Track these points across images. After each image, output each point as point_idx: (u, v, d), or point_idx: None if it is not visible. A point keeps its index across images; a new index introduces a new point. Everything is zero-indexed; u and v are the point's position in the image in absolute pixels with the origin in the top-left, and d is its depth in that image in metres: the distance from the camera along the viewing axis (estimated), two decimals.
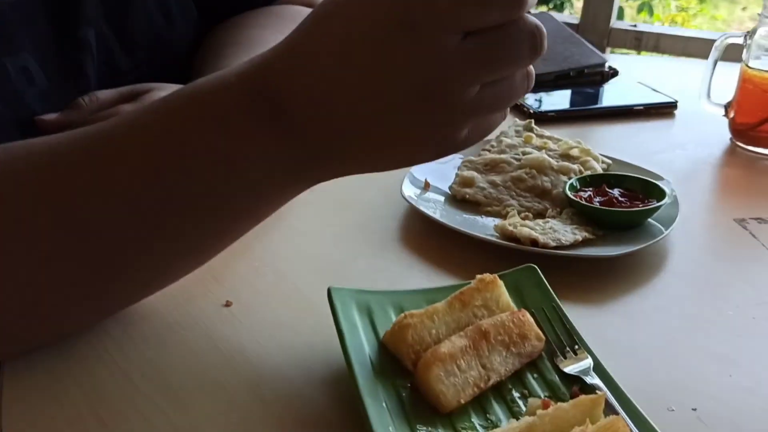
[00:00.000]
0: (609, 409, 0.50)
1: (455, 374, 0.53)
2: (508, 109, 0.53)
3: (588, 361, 0.55)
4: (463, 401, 0.52)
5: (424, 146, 0.52)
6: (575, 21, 2.14)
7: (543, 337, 0.57)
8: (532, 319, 0.58)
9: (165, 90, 0.76)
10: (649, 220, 0.78)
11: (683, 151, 1.04)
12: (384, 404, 0.51)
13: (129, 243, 0.54)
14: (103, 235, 0.53)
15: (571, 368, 0.55)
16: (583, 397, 0.48)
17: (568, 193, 0.80)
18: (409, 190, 0.83)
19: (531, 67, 0.50)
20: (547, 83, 1.26)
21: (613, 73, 1.31)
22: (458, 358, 0.53)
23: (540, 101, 1.19)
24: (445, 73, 0.47)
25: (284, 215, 0.84)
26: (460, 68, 0.46)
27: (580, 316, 0.65)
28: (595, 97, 1.24)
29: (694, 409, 0.55)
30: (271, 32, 0.86)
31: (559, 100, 1.21)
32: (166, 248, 0.56)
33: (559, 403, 0.48)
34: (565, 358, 0.56)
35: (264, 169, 0.54)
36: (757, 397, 0.56)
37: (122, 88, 0.77)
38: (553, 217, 0.79)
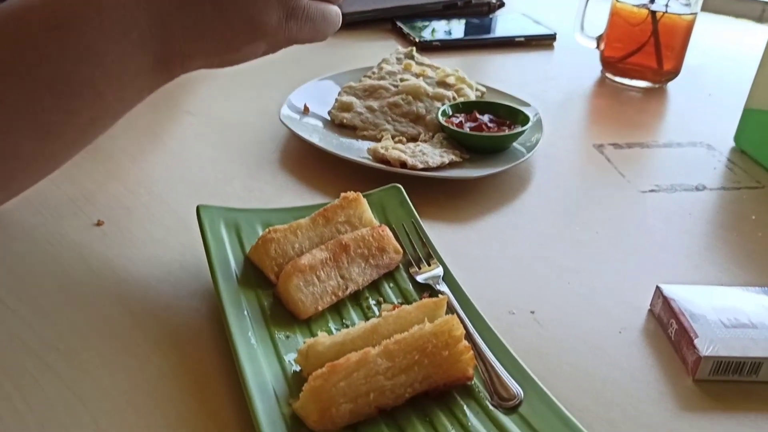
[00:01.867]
0: (452, 312, 0.55)
1: (314, 284, 0.56)
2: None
3: (438, 271, 0.60)
4: (320, 308, 0.56)
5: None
6: None
7: (401, 250, 0.61)
8: (391, 234, 0.61)
9: None
10: (515, 144, 0.83)
11: (557, 82, 1.10)
12: (245, 312, 0.54)
13: None
14: None
15: (422, 277, 0.59)
16: (426, 299, 0.52)
17: (440, 118, 0.83)
18: (288, 114, 0.85)
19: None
20: (435, 12, 1.28)
21: (500, 4, 1.35)
22: (318, 269, 0.57)
23: (426, 30, 1.22)
24: None
25: (161, 137, 0.85)
26: None
27: (441, 233, 0.70)
28: (480, 28, 1.27)
29: (533, 312, 0.60)
30: None
31: (445, 29, 1.24)
32: (6, 124, 0.51)
33: (403, 306, 0.52)
34: (419, 268, 0.60)
35: (101, 31, 0.52)
36: (589, 302, 0.62)
37: None
38: (425, 141, 0.83)
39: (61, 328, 0.55)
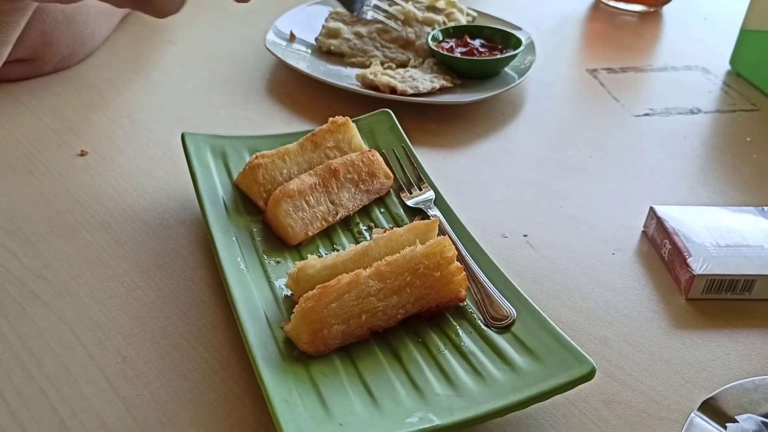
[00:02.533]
0: (443, 235, 0.54)
1: (304, 209, 0.55)
2: None
3: (430, 194, 0.59)
4: (310, 233, 0.55)
5: None
6: None
7: (391, 175, 0.60)
8: (381, 159, 0.60)
9: None
10: (507, 69, 0.81)
11: (550, 6, 1.07)
12: (234, 239, 0.53)
13: None
14: None
15: (413, 201, 0.58)
16: (418, 222, 0.51)
17: (430, 43, 0.81)
18: (274, 41, 0.82)
19: None
20: None
21: None
22: (307, 194, 0.55)
23: None
24: None
25: (144, 67, 0.82)
26: None
27: (432, 159, 0.69)
28: None
29: (525, 235, 0.60)
30: None
31: None
32: None
33: (394, 228, 0.52)
34: (410, 193, 0.59)
35: None
36: (580, 223, 0.62)
37: None
38: (415, 67, 0.81)
39: (47, 258, 0.54)
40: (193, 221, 0.58)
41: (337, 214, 0.57)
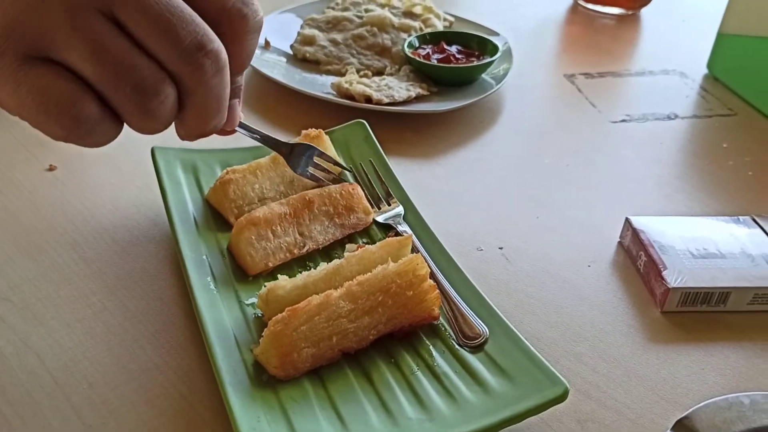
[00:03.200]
0: (416, 251, 0.53)
1: (268, 239, 0.53)
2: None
3: (399, 210, 0.58)
4: (271, 264, 0.53)
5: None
6: None
7: (371, 210, 0.58)
8: (362, 194, 0.58)
9: None
10: (484, 76, 0.81)
11: (528, 10, 1.06)
12: (204, 257, 0.53)
13: None
14: None
15: (382, 217, 0.57)
16: (390, 239, 0.51)
17: (406, 50, 0.80)
18: None
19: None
20: None
21: None
22: (275, 223, 0.53)
23: None
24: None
25: None
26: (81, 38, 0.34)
27: (408, 169, 0.68)
28: None
29: (501, 248, 0.59)
30: None
31: None
32: None
33: (367, 246, 0.51)
34: (379, 208, 0.58)
35: None
36: (556, 234, 0.61)
37: None
38: (392, 74, 0.80)
39: (13, 278, 0.53)
40: (164, 238, 0.57)
41: (304, 246, 0.54)
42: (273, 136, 0.52)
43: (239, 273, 0.52)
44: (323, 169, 0.57)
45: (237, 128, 0.46)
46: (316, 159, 0.56)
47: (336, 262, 0.49)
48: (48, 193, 0.61)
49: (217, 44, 0.36)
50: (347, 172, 0.62)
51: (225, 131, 0.45)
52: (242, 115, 0.46)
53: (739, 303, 0.54)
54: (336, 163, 0.58)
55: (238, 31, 0.38)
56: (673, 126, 0.78)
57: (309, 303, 0.45)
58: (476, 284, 0.51)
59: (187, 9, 0.35)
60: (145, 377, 0.46)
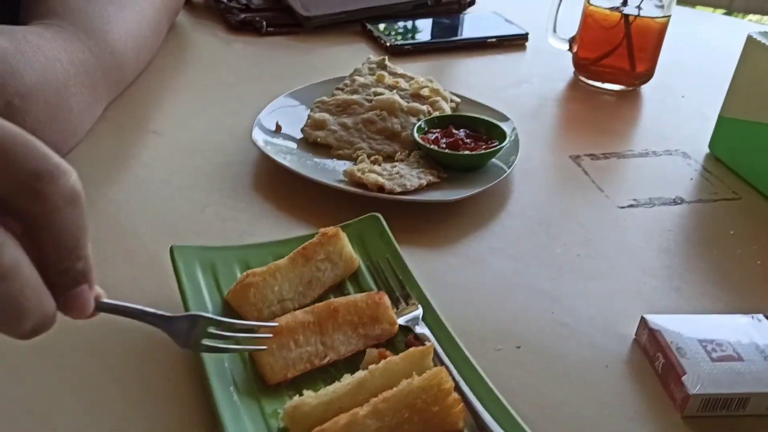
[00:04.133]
0: (439, 358, 0.54)
1: (289, 348, 0.53)
2: None
3: (417, 312, 0.58)
4: (290, 375, 0.52)
5: None
6: None
7: (395, 321, 0.57)
8: (388, 303, 0.57)
9: None
10: (493, 159, 0.82)
11: (530, 86, 1.08)
12: (227, 365, 0.52)
13: None
14: None
15: (402, 319, 0.57)
16: (413, 349, 0.51)
17: (416, 136, 0.82)
18: (260, 135, 0.82)
19: None
20: (405, 12, 1.26)
21: (470, 2, 1.32)
22: (297, 332, 0.53)
23: (396, 32, 1.20)
24: None
25: (128, 161, 0.82)
26: None
27: (422, 260, 0.69)
28: (452, 29, 1.25)
29: (518, 347, 0.60)
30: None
31: (416, 31, 1.22)
32: None
33: (389, 357, 0.51)
34: (398, 308, 0.59)
35: None
36: (572, 331, 0.62)
37: None
38: (402, 160, 0.81)
39: (32, 388, 0.52)
40: None
41: (325, 356, 0.54)
42: (146, 309, 0.46)
43: (261, 381, 0.52)
44: (222, 336, 0.50)
45: (99, 311, 0.40)
46: (210, 329, 0.49)
47: (360, 374, 0.49)
48: None
49: None
50: (363, 266, 0.62)
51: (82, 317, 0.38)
52: (102, 293, 0.40)
53: (759, 408, 0.54)
54: (236, 329, 0.51)
55: (38, 213, 0.32)
56: (679, 211, 0.80)
57: (336, 423, 0.45)
58: (496, 389, 0.51)
59: None
60: None
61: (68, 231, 0.34)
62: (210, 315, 0.50)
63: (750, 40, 0.84)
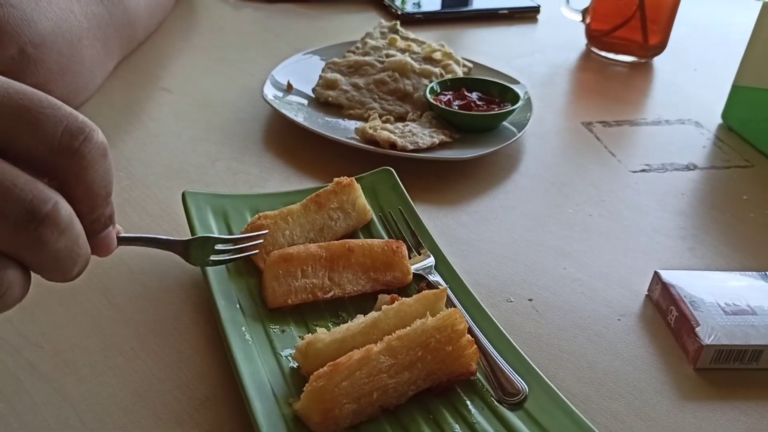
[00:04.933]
0: (451, 303, 0.53)
1: (295, 276, 0.53)
2: None
3: (430, 261, 0.58)
4: (290, 302, 0.53)
5: None
6: None
7: (410, 271, 0.56)
8: (406, 253, 0.57)
9: None
10: (504, 123, 0.81)
11: (542, 56, 1.08)
12: (238, 305, 0.52)
13: None
14: None
15: (415, 267, 0.57)
16: (426, 291, 0.51)
17: (429, 96, 0.81)
18: (272, 92, 0.82)
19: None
20: None
21: None
22: (306, 263, 0.54)
23: (408, 1, 1.19)
24: None
25: (139, 116, 0.81)
26: None
27: (434, 217, 0.68)
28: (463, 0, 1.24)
29: (530, 300, 0.59)
30: None
31: (428, 1, 1.21)
32: None
33: (403, 298, 0.51)
34: (409, 257, 0.58)
35: None
36: (584, 287, 0.61)
37: None
38: (414, 120, 0.81)
39: (44, 325, 0.52)
40: (194, 283, 0.57)
41: (329, 291, 0.54)
42: (158, 237, 0.48)
43: (274, 320, 0.52)
44: (229, 251, 0.53)
45: (119, 245, 0.41)
46: (217, 246, 0.52)
47: (373, 314, 0.49)
48: None
49: (52, 205, 0.32)
50: (375, 218, 0.62)
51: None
52: (121, 229, 0.41)
53: None
54: (242, 240, 0.54)
55: (74, 169, 0.34)
56: (693, 177, 0.79)
57: (350, 358, 0.44)
58: (510, 338, 0.51)
59: (8, 172, 0.31)
60: (180, 429, 0.45)
61: (102, 182, 0.35)
62: (216, 235, 0.53)
63: (765, 7, 0.84)
